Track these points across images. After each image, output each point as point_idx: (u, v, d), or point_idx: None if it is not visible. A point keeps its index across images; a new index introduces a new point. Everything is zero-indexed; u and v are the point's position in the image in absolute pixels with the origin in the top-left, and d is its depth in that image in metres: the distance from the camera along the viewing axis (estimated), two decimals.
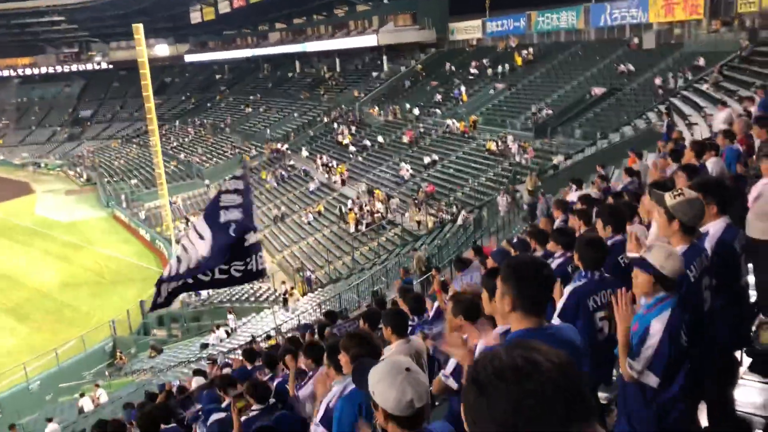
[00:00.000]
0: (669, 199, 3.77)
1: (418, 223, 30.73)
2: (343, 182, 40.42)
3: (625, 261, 4.80)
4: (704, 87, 25.12)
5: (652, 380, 3.19)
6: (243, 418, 5.71)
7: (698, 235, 3.93)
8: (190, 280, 7.31)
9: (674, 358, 3.19)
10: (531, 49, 44.08)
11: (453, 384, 3.92)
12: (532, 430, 1.23)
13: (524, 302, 2.75)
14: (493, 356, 1.31)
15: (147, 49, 40.81)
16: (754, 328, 4.66)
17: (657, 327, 3.21)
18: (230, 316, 27.89)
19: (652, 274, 3.33)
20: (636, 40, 36.16)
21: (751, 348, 4.43)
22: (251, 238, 7.49)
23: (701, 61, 28.91)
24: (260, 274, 7.77)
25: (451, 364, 4.01)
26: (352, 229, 33.74)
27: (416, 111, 44.49)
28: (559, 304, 4.13)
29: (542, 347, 1.32)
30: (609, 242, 4.94)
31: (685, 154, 8.75)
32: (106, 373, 26.89)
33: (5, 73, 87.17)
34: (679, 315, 3.26)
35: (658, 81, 30.20)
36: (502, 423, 1.24)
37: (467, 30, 52.72)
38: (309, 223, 37.76)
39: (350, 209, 35.14)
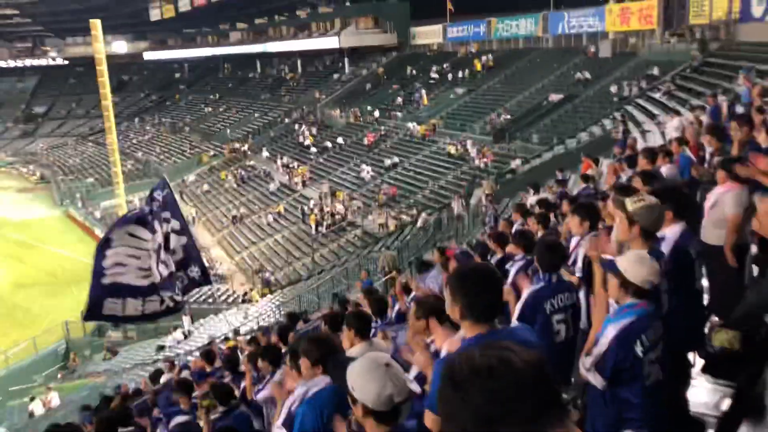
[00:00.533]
0: (630, 204, 3.88)
1: (381, 225, 30.78)
2: (304, 183, 40.28)
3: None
4: (657, 95, 25.78)
5: (598, 381, 3.27)
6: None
7: (656, 240, 4.07)
8: (134, 305, 6.97)
9: (628, 365, 3.23)
10: (491, 55, 44.62)
11: (416, 388, 3.96)
12: (506, 423, 1.30)
13: (473, 310, 2.80)
14: (468, 356, 1.38)
15: (105, 46, 40.00)
16: (706, 330, 4.83)
17: (610, 332, 3.28)
18: (185, 318, 27.48)
19: (618, 277, 3.40)
20: (593, 49, 36.91)
21: (704, 349, 4.58)
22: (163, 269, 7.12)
23: (655, 71, 29.66)
24: (204, 281, 7.56)
25: (414, 369, 4.05)
26: (313, 231, 33.63)
27: (377, 113, 44.60)
28: (518, 306, 4.23)
29: (515, 347, 1.39)
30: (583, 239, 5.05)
31: (638, 160, 8.99)
32: (59, 375, 26.24)
33: None
34: (638, 325, 3.29)
35: (613, 89, 30.88)
36: (477, 416, 1.31)
37: (428, 35, 53.13)
38: (269, 224, 37.51)
39: (311, 210, 35.03)
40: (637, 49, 35.11)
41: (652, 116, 23.13)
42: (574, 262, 5.02)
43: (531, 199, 12.28)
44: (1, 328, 29.58)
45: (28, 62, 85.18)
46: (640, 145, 14.85)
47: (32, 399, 21.59)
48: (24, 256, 39.08)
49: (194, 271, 7.27)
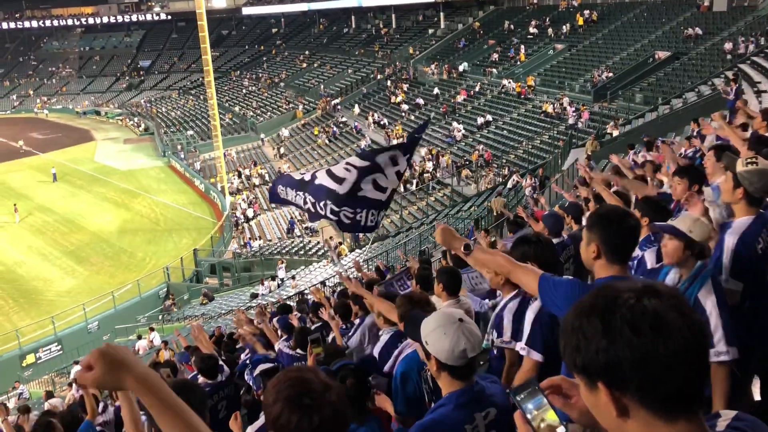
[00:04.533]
0: (740, 165, 3.64)
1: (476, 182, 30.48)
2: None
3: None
4: None
5: (735, 353, 3.02)
6: (287, 351, 5.87)
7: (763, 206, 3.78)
8: (307, 200, 7.03)
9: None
10: (594, 9, 42.61)
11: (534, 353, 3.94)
12: (637, 391, 1.18)
13: (609, 250, 2.80)
14: (632, 298, 1.21)
15: (205, 1, 40.96)
16: None
17: (710, 302, 3.08)
18: (280, 266, 28.38)
19: (682, 240, 3.24)
20: (706, 2, 34.54)
21: None
22: (369, 192, 6.97)
23: None
24: (367, 229, 7.35)
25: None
26: (402, 189, 33.71)
27: (468, 68, 43.74)
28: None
29: (681, 304, 1.21)
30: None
31: (755, 123, 8.37)
32: (159, 317, 27.85)
33: (69, 21, 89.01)
34: (719, 281, 3.20)
35: (727, 46, 28.87)
36: (613, 371, 1.19)
37: None
38: None
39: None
40: (756, 2, 32.57)
41: None
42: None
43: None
44: (109, 269, 31.60)
45: (135, 17, 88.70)
46: (754, 106, 13.87)
47: (139, 337, 23.08)
48: (129, 203, 41.35)
49: (375, 215, 7.15)
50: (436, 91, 43.77)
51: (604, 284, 1.31)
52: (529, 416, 1.45)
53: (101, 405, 6.76)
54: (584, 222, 6.15)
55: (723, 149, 5.44)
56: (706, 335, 1.22)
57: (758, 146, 5.58)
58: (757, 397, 3.74)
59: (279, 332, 8.20)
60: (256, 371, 6.85)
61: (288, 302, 16.23)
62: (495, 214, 21.26)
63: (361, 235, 30.91)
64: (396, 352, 4.07)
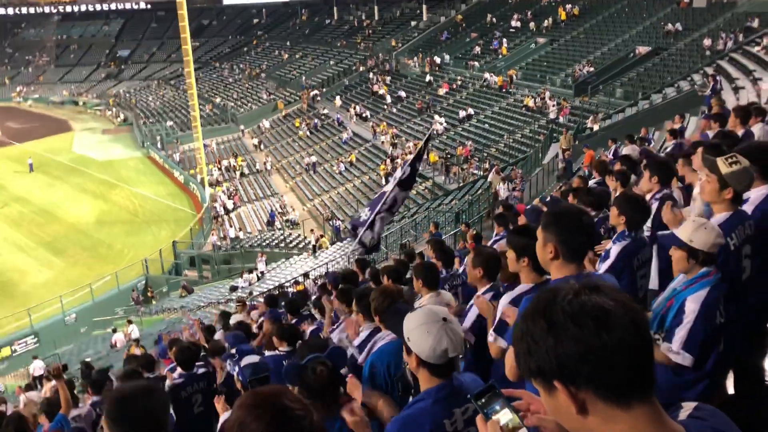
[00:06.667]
0: (724, 166, 3.63)
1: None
2: (394, 145, 39.09)
3: None
4: (755, 50, 24.18)
5: (687, 360, 3.08)
6: (269, 354, 5.87)
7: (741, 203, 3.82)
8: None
9: (709, 337, 3.10)
10: (576, 4, 42.81)
11: (471, 338, 4.01)
12: (589, 381, 1.21)
13: (565, 250, 2.80)
14: (570, 295, 1.26)
15: None
16: None
17: (691, 306, 3.11)
18: (261, 259, 28.27)
19: (684, 249, 3.22)
20: None
21: None
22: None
23: (755, 22, 27.79)
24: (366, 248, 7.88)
25: (470, 319, 4.06)
26: (383, 182, 33.69)
27: (449, 61, 43.76)
28: (607, 263, 4.12)
29: (623, 297, 1.26)
30: (657, 195, 4.85)
31: (729, 120, 8.48)
32: (138, 310, 27.61)
33: (46, 9, 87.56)
34: (716, 293, 3.15)
35: (707, 42, 29.15)
36: (563, 366, 1.22)
37: None
38: (341, 173, 37.78)
39: (382, 161, 35.06)
40: None
41: (747, 72, 21.77)
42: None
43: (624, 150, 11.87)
44: (86, 261, 31.26)
45: (113, 6, 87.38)
46: (731, 103, 14.03)
47: (114, 330, 22.88)
48: (107, 194, 40.92)
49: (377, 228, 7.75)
50: (428, 78, 43.71)
51: (543, 288, 1.34)
52: (490, 419, 1.48)
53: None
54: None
55: (713, 148, 5.47)
56: (647, 323, 1.27)
57: (729, 142, 5.63)
58: (731, 390, 3.78)
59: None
60: (243, 362, 6.82)
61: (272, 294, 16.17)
62: (493, 191, 22.64)
63: (342, 227, 30.91)
64: (369, 345, 4.09)
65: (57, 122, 63.72)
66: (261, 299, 19.52)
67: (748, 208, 3.89)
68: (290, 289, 19.78)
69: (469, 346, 4.02)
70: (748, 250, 3.66)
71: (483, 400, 1.52)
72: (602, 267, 4.06)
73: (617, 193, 6.84)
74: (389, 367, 3.65)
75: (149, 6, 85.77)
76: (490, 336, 3.54)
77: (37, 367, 19.11)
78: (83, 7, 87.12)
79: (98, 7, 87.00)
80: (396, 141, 37.40)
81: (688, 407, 1.41)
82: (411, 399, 2.77)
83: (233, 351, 6.98)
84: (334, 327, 6.36)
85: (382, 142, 38.88)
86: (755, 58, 23.03)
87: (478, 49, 44.53)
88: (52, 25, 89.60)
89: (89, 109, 68.87)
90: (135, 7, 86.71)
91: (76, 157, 49.88)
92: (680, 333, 3.10)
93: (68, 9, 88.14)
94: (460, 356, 4.21)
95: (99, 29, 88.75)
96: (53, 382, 7.81)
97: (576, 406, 1.23)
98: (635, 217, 4.24)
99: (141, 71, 78.50)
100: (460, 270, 7.72)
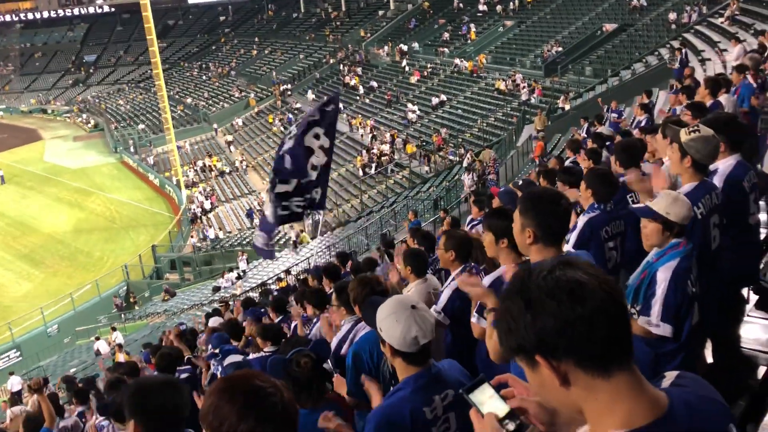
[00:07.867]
0: (684, 135, 3.71)
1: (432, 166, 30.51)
2: (374, 137, 38.50)
3: (634, 199, 4.80)
4: (719, 21, 24.40)
5: (667, 330, 3.11)
6: (255, 356, 5.85)
7: (707, 173, 3.88)
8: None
9: (681, 306, 3.13)
10: None
11: (445, 320, 4.05)
12: (570, 352, 1.24)
13: (544, 233, 2.80)
14: (546, 273, 1.28)
15: None
16: (762, 265, 4.64)
17: (662, 276, 3.15)
18: (242, 258, 28.15)
19: (659, 221, 3.24)
20: None
21: (758, 285, 4.42)
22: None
23: None
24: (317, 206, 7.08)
25: (442, 300, 4.09)
26: (360, 173, 33.66)
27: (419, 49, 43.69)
28: (574, 234, 4.18)
29: (595, 271, 1.29)
30: (620, 178, 4.90)
31: (699, 91, 8.58)
32: (121, 316, 27.39)
33: (7, 18, 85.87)
34: (687, 263, 3.18)
35: (672, 16, 29.40)
36: (543, 341, 1.24)
37: None
38: None
39: (359, 153, 34.96)
40: None
41: (713, 44, 21.98)
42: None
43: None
44: (66, 271, 30.91)
45: (76, 11, 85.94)
46: (699, 75, 14.19)
47: (97, 338, 22.67)
48: (83, 202, 40.41)
49: (318, 193, 6.97)
50: (404, 63, 43.58)
51: (518, 269, 1.37)
52: (482, 411, 1.50)
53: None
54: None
55: (668, 123, 5.54)
56: (621, 294, 1.30)
57: (699, 114, 5.71)
58: (709, 359, 3.85)
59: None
60: (226, 362, 6.80)
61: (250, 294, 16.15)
62: (483, 165, 23.18)
63: (322, 220, 30.83)
64: (351, 335, 4.10)
65: (26, 132, 62.66)
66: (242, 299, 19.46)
67: (717, 180, 3.96)
68: (273, 287, 19.75)
69: (446, 327, 4.05)
70: (716, 219, 3.72)
71: (474, 393, 1.55)
72: (570, 238, 4.11)
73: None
74: (372, 355, 3.66)
75: (113, 9, 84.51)
76: (473, 317, 3.57)
77: (15, 383, 18.81)
78: (45, 14, 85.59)
79: (60, 12, 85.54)
80: (375, 133, 37.34)
81: (670, 376, 1.44)
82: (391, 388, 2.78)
83: (216, 351, 6.96)
84: (311, 328, 6.34)
85: (362, 135, 38.74)
86: (720, 30, 23.23)
87: (447, 35, 44.53)
88: (14, 33, 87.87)
89: (58, 116, 67.77)
90: (98, 11, 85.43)
91: (49, 167, 49.14)
92: (656, 306, 3.14)
93: (29, 16, 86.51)
94: (441, 339, 4.26)
95: (63, 35, 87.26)
96: (35, 396, 7.73)
97: (558, 379, 1.26)
98: (603, 190, 4.33)
99: (109, 75, 77.43)
100: None
